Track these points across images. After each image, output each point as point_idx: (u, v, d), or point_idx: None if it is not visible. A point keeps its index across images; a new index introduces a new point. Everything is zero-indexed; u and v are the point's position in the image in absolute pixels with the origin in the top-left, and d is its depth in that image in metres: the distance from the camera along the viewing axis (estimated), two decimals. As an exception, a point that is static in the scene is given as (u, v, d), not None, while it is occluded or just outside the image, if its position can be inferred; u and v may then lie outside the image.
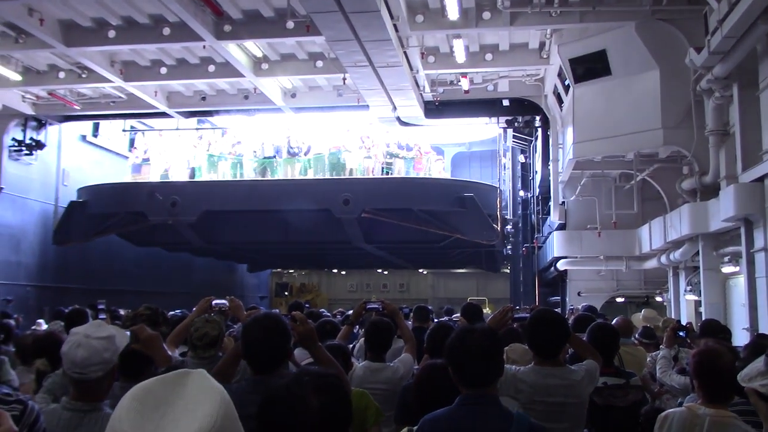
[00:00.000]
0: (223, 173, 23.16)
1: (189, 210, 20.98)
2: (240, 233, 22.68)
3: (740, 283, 12.83)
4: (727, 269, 13.66)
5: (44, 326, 11.39)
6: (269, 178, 22.66)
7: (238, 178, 22.94)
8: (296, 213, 20.70)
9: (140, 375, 3.94)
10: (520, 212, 29.12)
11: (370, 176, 22.08)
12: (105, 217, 22.40)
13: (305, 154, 22.72)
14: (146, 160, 23.49)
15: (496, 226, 21.34)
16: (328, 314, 10.74)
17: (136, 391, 1.53)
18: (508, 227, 25.67)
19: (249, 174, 22.99)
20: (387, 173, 22.41)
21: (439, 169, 24.58)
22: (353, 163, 22.30)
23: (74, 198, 23.76)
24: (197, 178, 23.14)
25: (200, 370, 1.61)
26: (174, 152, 23.52)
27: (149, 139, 24.44)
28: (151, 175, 23.20)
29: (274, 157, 22.92)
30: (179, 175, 23.17)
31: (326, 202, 20.31)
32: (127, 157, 27.69)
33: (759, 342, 5.69)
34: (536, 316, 4.31)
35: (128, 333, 3.78)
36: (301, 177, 22.42)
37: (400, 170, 22.53)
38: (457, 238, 21.05)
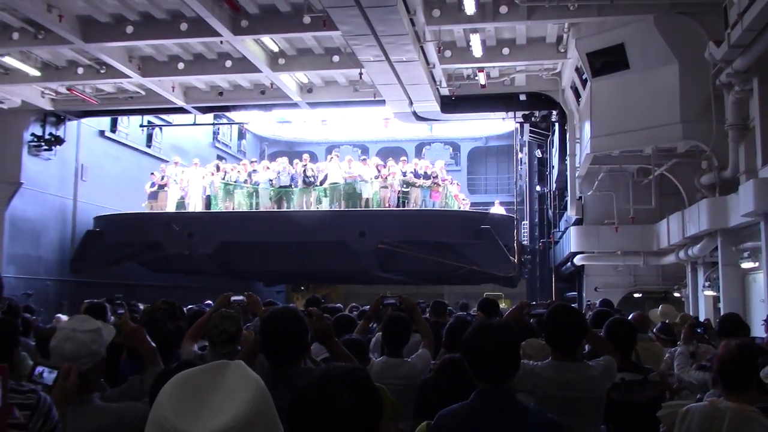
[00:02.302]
0: (239, 202, 23.13)
1: (205, 241, 21.10)
2: (256, 263, 22.83)
3: (759, 278, 12.72)
4: (746, 265, 13.55)
5: (64, 320, 11.51)
6: (285, 206, 22.69)
7: (254, 208, 22.92)
8: (312, 244, 20.87)
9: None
10: (536, 207, 29.04)
11: (386, 206, 21.98)
12: (121, 246, 22.58)
13: (321, 183, 22.69)
14: (162, 186, 23.52)
15: (513, 258, 21.30)
16: (341, 307, 10.78)
17: (177, 380, 1.59)
18: (526, 255, 25.59)
19: (265, 202, 22.94)
20: (403, 203, 22.36)
21: (455, 192, 24.48)
22: (369, 193, 22.20)
23: (91, 193, 24.14)
24: (213, 207, 23.16)
25: (238, 362, 1.66)
26: (190, 180, 23.50)
27: (166, 166, 24.39)
28: (168, 202, 23.23)
29: (290, 185, 22.95)
30: (195, 203, 23.16)
31: (342, 234, 20.41)
32: (144, 153, 27.91)
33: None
34: (554, 311, 4.29)
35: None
36: (317, 208, 22.36)
37: (416, 199, 22.33)
38: (474, 270, 21.13)
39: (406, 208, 21.98)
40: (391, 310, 5.75)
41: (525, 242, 26.24)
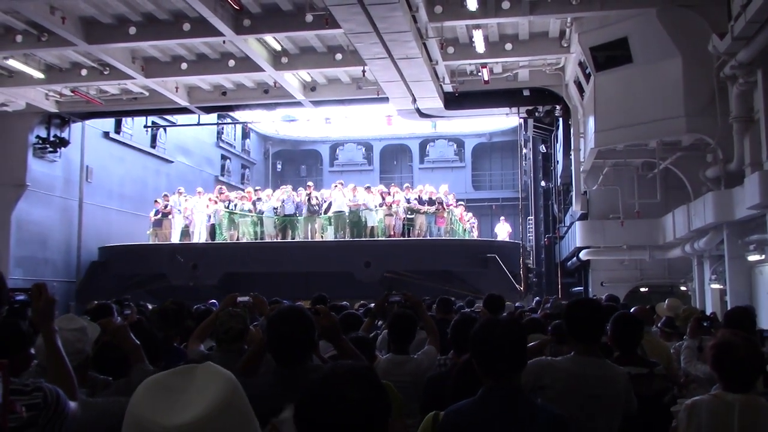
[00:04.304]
0: (244, 231, 23.18)
1: (210, 272, 21.18)
2: (262, 293, 22.82)
3: (766, 271, 12.71)
4: (752, 257, 13.53)
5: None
6: (290, 235, 22.80)
7: (258, 236, 23.02)
8: (317, 275, 20.99)
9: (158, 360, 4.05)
10: (541, 203, 29.02)
11: (392, 234, 22.10)
12: (126, 277, 22.63)
13: (325, 212, 22.69)
14: (166, 215, 23.54)
15: (519, 286, 21.36)
16: (347, 304, 10.79)
17: (150, 381, 1.66)
18: (531, 275, 25.65)
19: (269, 231, 22.98)
20: (408, 230, 22.43)
21: (460, 213, 24.47)
22: (374, 221, 22.16)
23: (96, 195, 24.31)
24: (218, 236, 23.21)
25: (207, 363, 1.71)
26: (194, 209, 23.43)
27: (169, 195, 24.31)
28: (173, 230, 23.26)
29: (295, 214, 22.97)
30: (200, 232, 23.21)
31: (348, 264, 20.52)
32: (149, 153, 27.99)
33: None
34: (575, 304, 4.30)
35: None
36: (322, 236, 22.47)
37: (421, 225, 22.40)
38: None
39: (411, 238, 22.07)
40: (396, 307, 5.74)
41: (531, 264, 26.34)
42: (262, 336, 3.97)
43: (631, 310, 7.13)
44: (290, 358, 3.44)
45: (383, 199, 22.68)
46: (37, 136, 21.94)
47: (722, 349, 3.67)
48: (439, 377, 4.50)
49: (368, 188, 23.36)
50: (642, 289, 19.73)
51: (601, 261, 19.74)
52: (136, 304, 10.04)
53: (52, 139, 22.22)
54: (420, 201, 22.68)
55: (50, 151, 22.29)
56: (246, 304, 5.47)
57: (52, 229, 22.73)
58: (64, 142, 22.51)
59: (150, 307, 10.65)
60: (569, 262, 23.34)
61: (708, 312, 9.12)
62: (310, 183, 24.80)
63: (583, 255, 19.66)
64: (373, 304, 7.25)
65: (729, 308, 11.36)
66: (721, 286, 14.98)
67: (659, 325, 7.91)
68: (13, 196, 21.06)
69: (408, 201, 22.79)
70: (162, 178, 29.00)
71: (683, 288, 19.05)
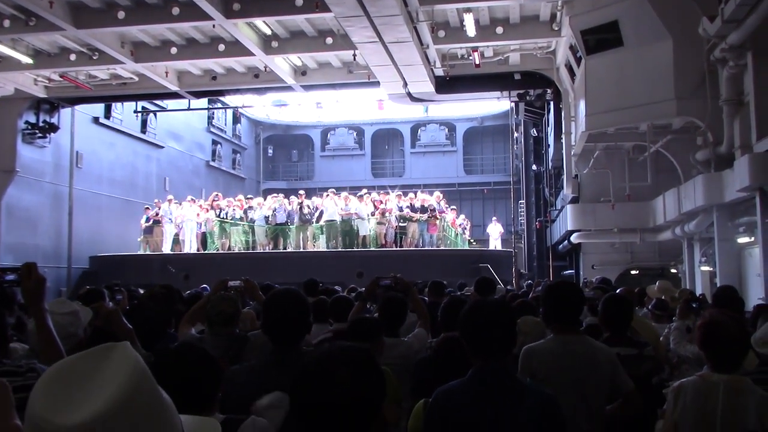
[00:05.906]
0: (235, 240, 23.10)
1: (202, 283, 21.14)
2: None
3: (755, 253, 12.78)
4: (742, 240, 13.61)
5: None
6: (282, 244, 22.75)
7: (250, 245, 22.97)
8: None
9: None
10: (533, 186, 29.08)
11: (383, 242, 22.07)
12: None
13: (317, 220, 22.61)
14: (157, 222, 23.41)
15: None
16: (339, 289, 10.83)
17: (53, 370, 1.46)
18: (524, 280, 25.76)
19: (261, 240, 22.89)
20: (400, 238, 22.40)
21: (452, 218, 24.48)
22: (366, 230, 22.07)
23: (87, 180, 24.27)
24: (209, 245, 23.13)
25: (124, 343, 1.51)
26: (185, 218, 23.19)
27: (160, 203, 24.03)
28: (165, 238, 23.09)
29: (286, 222, 22.88)
30: (190, 240, 23.07)
31: (340, 274, 20.48)
32: (139, 139, 27.85)
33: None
34: (552, 286, 4.40)
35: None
36: (314, 245, 22.43)
37: (413, 233, 22.36)
38: None
39: (403, 248, 22.05)
40: (387, 290, 5.75)
41: (523, 270, 26.42)
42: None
43: (617, 291, 7.16)
44: (287, 340, 3.47)
45: (376, 207, 22.65)
46: (26, 122, 21.82)
47: (710, 328, 3.69)
48: (428, 360, 4.52)
49: (360, 197, 23.21)
50: (633, 272, 19.83)
51: (592, 244, 19.82)
52: (127, 289, 10.04)
53: (41, 124, 22.11)
54: (412, 209, 22.65)
55: (40, 137, 22.18)
56: (237, 288, 5.48)
57: (43, 215, 22.66)
58: (53, 128, 22.40)
59: (141, 291, 10.66)
60: (560, 246, 23.43)
61: (697, 294, 9.18)
62: (301, 192, 24.68)
63: (574, 238, 19.73)
64: (363, 289, 7.27)
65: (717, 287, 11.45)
66: (711, 269, 15.08)
67: (650, 307, 7.95)
68: (2, 182, 20.96)
69: (400, 209, 22.77)
70: (152, 163, 28.91)
71: (673, 270, 19.16)
